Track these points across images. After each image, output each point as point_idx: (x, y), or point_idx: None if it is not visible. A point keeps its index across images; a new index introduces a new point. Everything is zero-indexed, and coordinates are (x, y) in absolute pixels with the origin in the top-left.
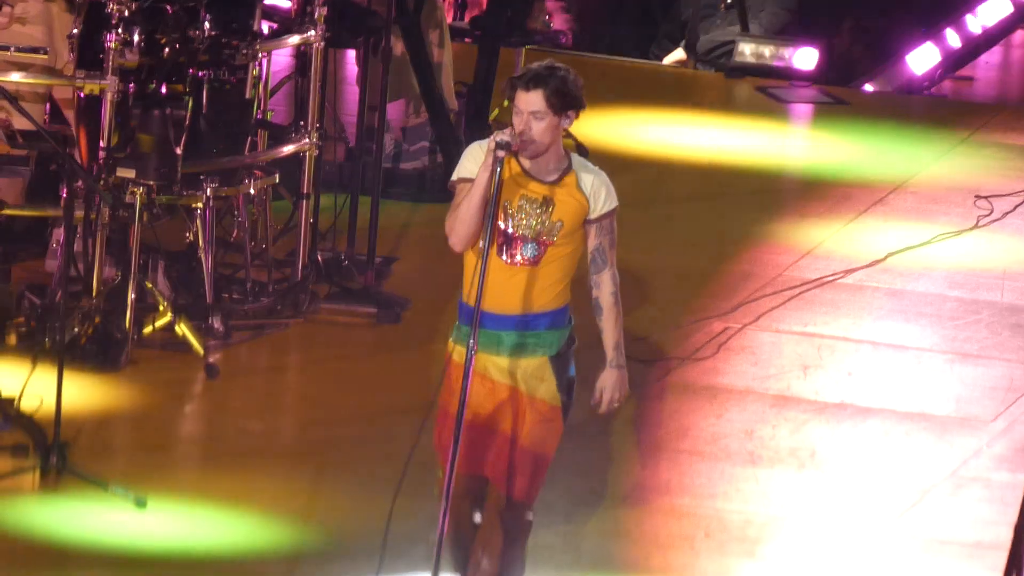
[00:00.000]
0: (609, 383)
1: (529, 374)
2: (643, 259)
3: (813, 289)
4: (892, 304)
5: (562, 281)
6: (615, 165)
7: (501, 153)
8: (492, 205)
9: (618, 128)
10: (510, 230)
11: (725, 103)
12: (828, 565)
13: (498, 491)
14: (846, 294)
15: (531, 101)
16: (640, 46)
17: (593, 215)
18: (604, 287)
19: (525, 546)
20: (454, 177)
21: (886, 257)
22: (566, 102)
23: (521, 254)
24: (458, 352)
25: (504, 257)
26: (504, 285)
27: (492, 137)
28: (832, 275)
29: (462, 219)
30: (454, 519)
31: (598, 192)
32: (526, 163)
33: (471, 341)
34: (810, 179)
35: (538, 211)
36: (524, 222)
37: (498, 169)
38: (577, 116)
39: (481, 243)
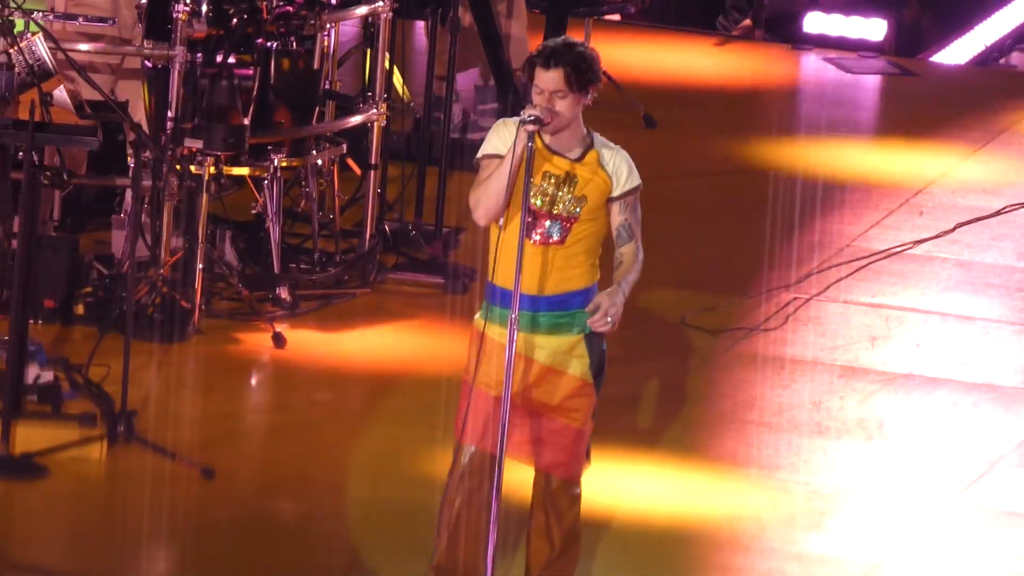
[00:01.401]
0: (608, 297)
1: (564, 351)
2: (712, 230)
3: (881, 260)
4: (960, 275)
5: (590, 259)
6: (684, 136)
7: (532, 127)
8: (526, 183)
9: (685, 100)
10: (534, 206)
11: (794, 74)
12: (895, 536)
13: (544, 475)
14: (914, 265)
15: (552, 80)
16: (706, 17)
17: (616, 192)
18: (627, 255)
19: (579, 519)
20: (480, 153)
21: (954, 228)
22: (585, 79)
23: (547, 232)
24: (490, 329)
25: (533, 236)
26: (533, 266)
27: (521, 113)
28: (900, 246)
29: (489, 193)
30: (467, 497)
31: (619, 169)
32: (548, 139)
33: (512, 315)
34: (878, 150)
35: (562, 187)
36: (548, 198)
37: (529, 144)
38: (596, 91)
39: (507, 222)
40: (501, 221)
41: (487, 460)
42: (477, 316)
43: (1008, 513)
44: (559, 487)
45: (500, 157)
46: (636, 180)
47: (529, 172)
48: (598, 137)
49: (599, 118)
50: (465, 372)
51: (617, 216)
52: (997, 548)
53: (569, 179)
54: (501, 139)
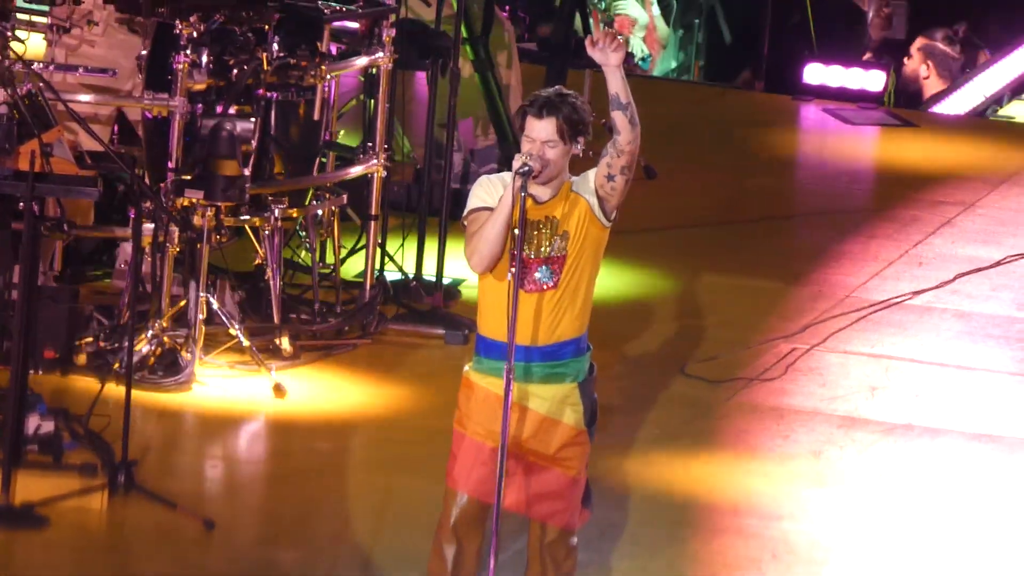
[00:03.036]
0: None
1: (558, 400)
2: (711, 279)
3: (881, 310)
4: (960, 325)
5: (580, 304)
6: (684, 187)
7: (524, 177)
8: (520, 234)
9: (685, 151)
10: (523, 254)
11: (793, 125)
12: None
13: (540, 525)
14: (914, 315)
15: (544, 129)
16: (709, 69)
17: (597, 177)
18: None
19: (574, 571)
20: (467, 209)
21: (954, 279)
22: (576, 130)
23: (537, 279)
24: (483, 379)
25: (527, 285)
26: (526, 315)
27: (514, 161)
28: (900, 296)
29: (486, 239)
30: (458, 546)
31: (585, 177)
32: (530, 188)
33: (508, 364)
34: (878, 201)
35: (546, 230)
36: (533, 245)
37: (523, 194)
38: (586, 142)
39: (507, 275)
40: (509, 276)
41: (478, 508)
42: (467, 367)
43: (1009, 564)
44: (556, 538)
45: (488, 209)
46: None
47: (523, 223)
48: (572, 178)
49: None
50: (456, 421)
51: (603, 166)
52: None
53: (549, 221)
54: (487, 192)
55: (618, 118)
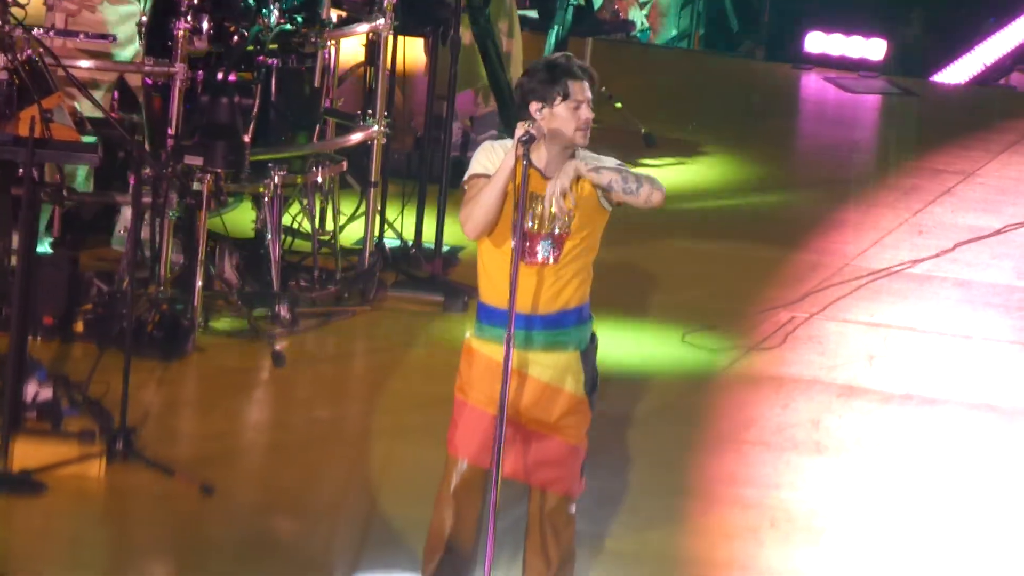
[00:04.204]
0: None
1: (560, 368)
2: (711, 248)
3: (880, 279)
4: (960, 294)
5: (581, 277)
6: (684, 155)
7: (525, 144)
8: (521, 202)
9: (685, 119)
10: (527, 229)
11: (794, 93)
12: (893, 555)
13: (540, 493)
14: (913, 284)
15: (586, 89)
16: (708, 38)
17: (597, 186)
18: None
19: (573, 539)
20: (468, 174)
21: (954, 247)
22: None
23: (540, 252)
24: (484, 346)
25: (528, 258)
26: (527, 286)
27: (516, 129)
28: (899, 265)
29: (482, 204)
30: (456, 512)
31: (596, 159)
32: (536, 160)
33: (508, 332)
34: (878, 170)
35: (549, 206)
36: (538, 219)
37: (525, 163)
38: None
39: (509, 242)
40: (489, 241)
41: (478, 475)
42: (469, 334)
43: (1006, 532)
44: (556, 505)
45: (488, 177)
46: (613, 163)
47: (524, 191)
48: (580, 151)
49: (599, 137)
50: (457, 388)
51: (607, 184)
52: (994, 567)
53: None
54: (489, 159)
55: (630, 199)
